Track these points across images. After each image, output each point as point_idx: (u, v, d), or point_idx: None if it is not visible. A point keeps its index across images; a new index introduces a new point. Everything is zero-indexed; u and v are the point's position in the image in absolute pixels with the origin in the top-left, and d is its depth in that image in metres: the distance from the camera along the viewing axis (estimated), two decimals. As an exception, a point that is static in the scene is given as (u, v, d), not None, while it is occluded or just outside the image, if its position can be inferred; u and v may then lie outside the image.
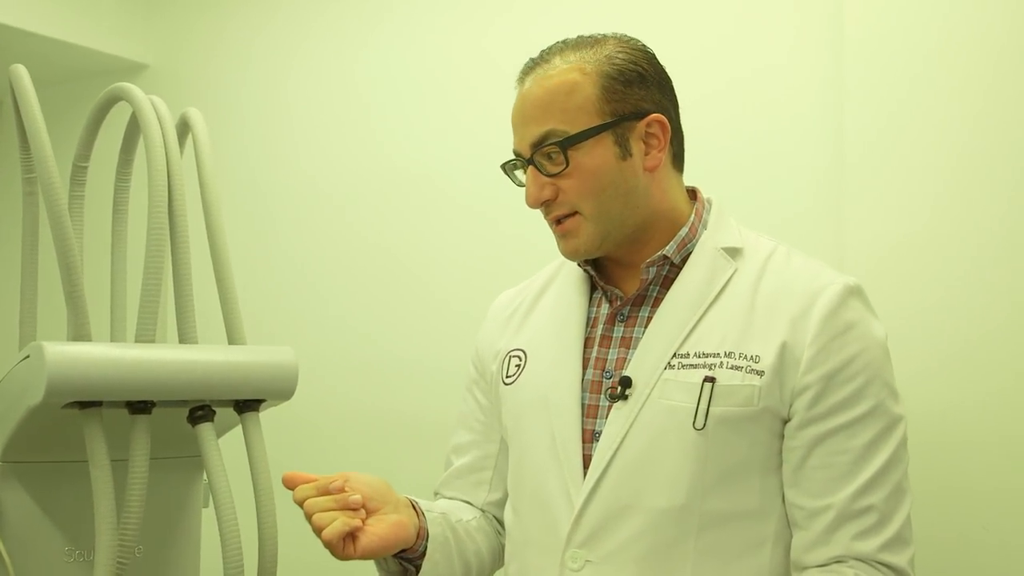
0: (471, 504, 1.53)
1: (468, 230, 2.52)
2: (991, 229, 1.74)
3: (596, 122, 1.30)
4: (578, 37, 1.37)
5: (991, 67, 1.75)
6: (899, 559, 1.23)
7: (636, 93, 1.31)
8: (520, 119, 1.34)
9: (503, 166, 1.40)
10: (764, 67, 2.10)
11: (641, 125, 1.31)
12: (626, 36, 1.37)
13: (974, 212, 1.75)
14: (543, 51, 1.37)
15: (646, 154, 1.32)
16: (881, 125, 1.85)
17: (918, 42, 1.82)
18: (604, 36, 1.36)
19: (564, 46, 1.35)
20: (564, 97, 1.30)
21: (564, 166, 1.29)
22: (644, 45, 1.38)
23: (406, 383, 2.58)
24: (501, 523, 1.52)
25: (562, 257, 1.49)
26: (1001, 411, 1.71)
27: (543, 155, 1.31)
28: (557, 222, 1.34)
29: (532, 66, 1.36)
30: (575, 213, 1.32)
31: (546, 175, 1.31)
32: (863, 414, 1.25)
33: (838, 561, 1.23)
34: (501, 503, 1.51)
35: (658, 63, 1.37)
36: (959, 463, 1.73)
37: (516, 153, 1.36)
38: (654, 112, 1.32)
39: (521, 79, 1.37)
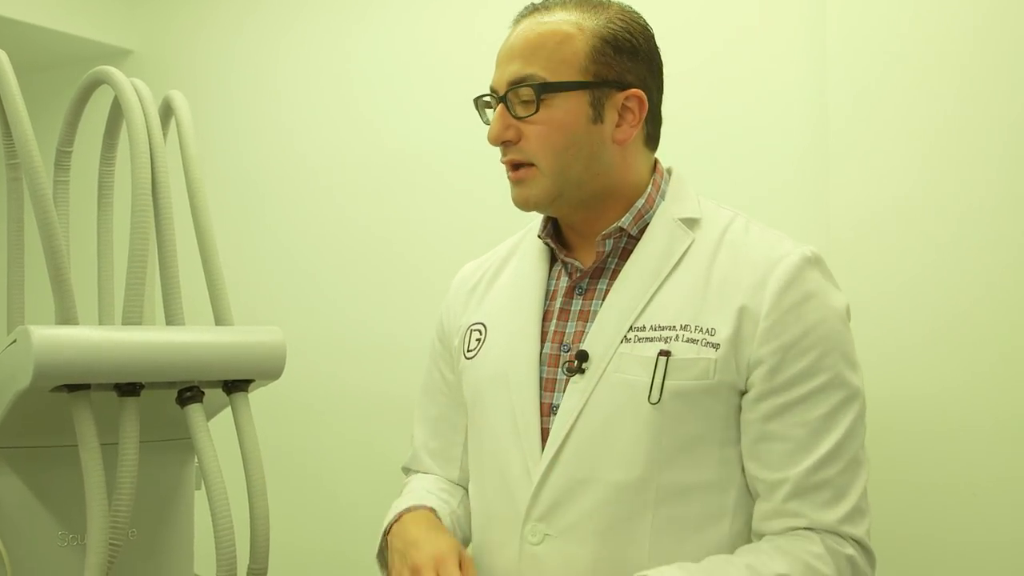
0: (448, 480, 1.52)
1: (458, 212, 2.52)
2: (975, 196, 1.74)
3: (577, 78, 1.29)
4: None
5: (973, 36, 1.75)
6: (858, 530, 1.23)
7: (624, 63, 1.31)
8: (506, 56, 1.33)
9: (475, 100, 1.38)
10: (746, 38, 2.10)
11: (620, 96, 1.31)
12: (631, 8, 1.37)
13: (958, 179, 1.75)
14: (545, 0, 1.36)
15: (617, 125, 1.31)
16: (864, 95, 1.85)
17: (900, 10, 1.82)
18: (610, 3, 1.35)
19: (567, 1, 1.34)
20: (553, 45, 1.29)
21: (534, 111, 1.29)
22: (646, 22, 1.37)
23: (395, 364, 2.59)
24: None
25: (524, 229, 1.50)
26: (984, 388, 1.71)
27: (516, 95, 1.30)
28: (512, 168, 1.33)
29: (532, 10, 1.34)
30: (532, 165, 1.31)
31: (514, 116, 1.30)
32: (820, 386, 1.24)
33: (795, 530, 1.23)
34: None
35: (654, 43, 1.36)
36: (949, 437, 1.73)
37: (492, 89, 1.35)
38: (636, 87, 1.31)
39: (517, 20, 1.35)
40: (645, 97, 1.31)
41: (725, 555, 1.23)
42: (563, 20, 1.30)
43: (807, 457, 1.23)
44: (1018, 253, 1.69)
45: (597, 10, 1.32)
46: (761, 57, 2.07)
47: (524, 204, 1.34)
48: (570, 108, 1.29)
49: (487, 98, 1.36)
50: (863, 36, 1.83)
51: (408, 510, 1.38)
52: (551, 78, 1.28)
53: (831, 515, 1.22)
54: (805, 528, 1.22)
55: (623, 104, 1.31)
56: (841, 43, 1.86)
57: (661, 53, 1.38)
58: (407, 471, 1.57)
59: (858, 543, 1.23)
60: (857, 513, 1.23)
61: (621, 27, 1.31)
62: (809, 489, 1.22)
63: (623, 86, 1.30)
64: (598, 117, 1.30)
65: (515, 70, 1.30)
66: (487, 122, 1.36)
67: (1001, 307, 1.70)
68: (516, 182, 1.34)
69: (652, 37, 1.36)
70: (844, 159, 1.85)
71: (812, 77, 1.98)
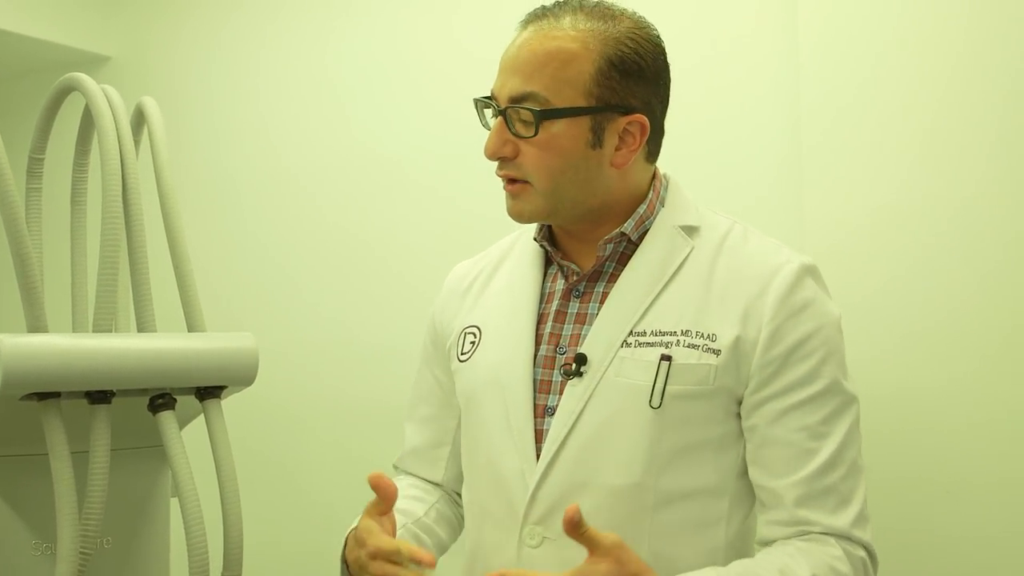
0: (429, 481, 1.53)
1: (438, 215, 2.52)
2: (949, 211, 1.74)
3: (580, 102, 1.26)
4: (598, 3, 1.31)
5: (949, 49, 1.75)
6: (866, 535, 1.25)
7: (629, 87, 1.27)
8: (510, 66, 1.28)
9: (476, 100, 1.35)
10: (721, 52, 2.10)
11: (622, 121, 1.27)
12: (644, 21, 1.32)
13: (932, 194, 1.75)
14: (558, 3, 1.31)
15: (617, 149, 1.29)
16: (838, 109, 1.84)
17: (875, 24, 1.81)
18: (623, 13, 1.31)
19: (579, 8, 1.29)
20: (559, 64, 1.25)
21: (533, 134, 1.26)
22: (658, 36, 1.32)
23: (376, 368, 2.59)
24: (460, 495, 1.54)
25: (518, 230, 1.49)
26: (961, 392, 1.71)
27: (516, 113, 1.27)
28: (508, 180, 1.32)
29: (541, 14, 1.30)
30: (526, 182, 1.30)
31: (512, 133, 1.28)
32: (820, 391, 1.26)
33: (807, 535, 1.24)
34: (460, 477, 1.50)
35: (664, 59, 1.33)
36: (917, 444, 1.74)
37: (493, 95, 1.31)
38: (639, 111, 1.28)
39: (525, 24, 1.30)
40: (647, 122, 1.29)
41: (754, 559, 1.24)
42: (571, 36, 1.26)
43: (809, 463, 1.24)
44: (994, 263, 1.70)
45: (608, 23, 1.28)
46: (734, 72, 2.07)
47: (519, 217, 1.34)
48: (570, 133, 1.27)
49: (488, 101, 1.33)
50: (837, 50, 1.84)
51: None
52: (553, 99, 1.25)
53: (841, 520, 1.23)
54: (820, 533, 1.24)
55: (624, 128, 1.28)
56: (815, 58, 1.86)
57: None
58: (396, 469, 1.59)
59: (865, 548, 1.25)
60: (862, 519, 1.25)
61: (630, 48, 1.27)
62: (815, 495, 1.24)
63: (626, 110, 1.28)
64: (597, 142, 1.28)
65: (517, 85, 1.27)
66: (485, 124, 1.34)
67: (976, 317, 1.70)
68: (511, 195, 1.33)
69: (662, 53, 1.32)
70: (818, 174, 1.85)
71: (786, 92, 1.98)
